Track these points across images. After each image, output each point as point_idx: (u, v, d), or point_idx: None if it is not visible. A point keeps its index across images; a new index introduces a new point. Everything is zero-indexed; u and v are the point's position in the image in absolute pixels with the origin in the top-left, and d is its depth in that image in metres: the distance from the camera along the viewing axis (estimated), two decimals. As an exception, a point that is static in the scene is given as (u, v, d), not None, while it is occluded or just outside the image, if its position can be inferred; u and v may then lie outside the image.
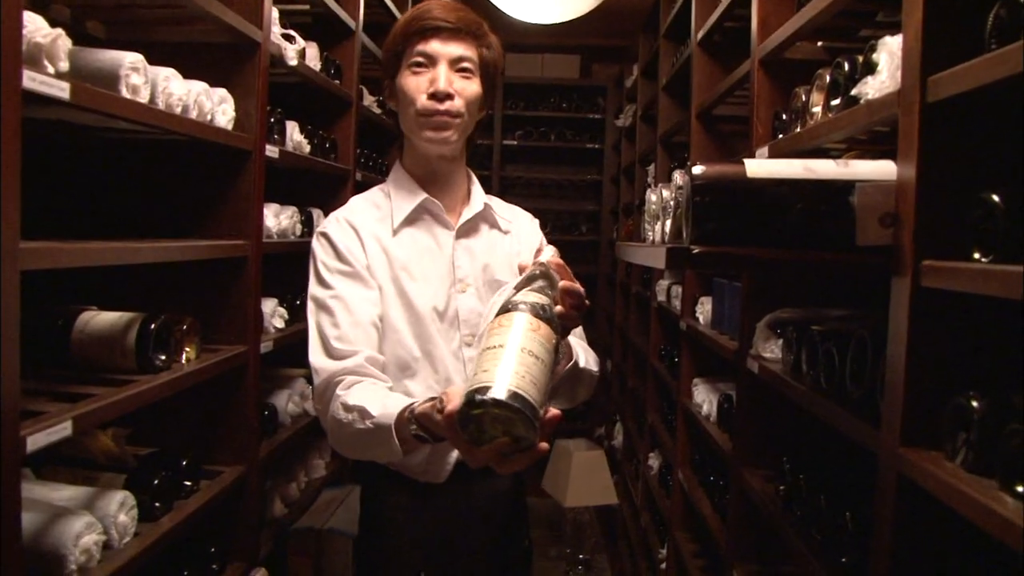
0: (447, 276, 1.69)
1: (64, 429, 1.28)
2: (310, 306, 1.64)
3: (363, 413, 1.43)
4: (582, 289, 1.34)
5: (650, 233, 1.73)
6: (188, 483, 1.83)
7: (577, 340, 1.63)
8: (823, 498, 1.59)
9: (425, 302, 1.65)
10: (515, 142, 6.76)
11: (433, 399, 1.29)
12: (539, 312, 1.15)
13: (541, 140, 6.79)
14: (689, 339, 2.91)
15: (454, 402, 1.11)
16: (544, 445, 1.10)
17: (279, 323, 2.35)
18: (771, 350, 1.90)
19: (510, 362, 1.07)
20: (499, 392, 1.03)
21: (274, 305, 2.34)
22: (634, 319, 4.77)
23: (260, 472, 2.14)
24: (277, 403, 2.41)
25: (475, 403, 1.04)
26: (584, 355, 1.63)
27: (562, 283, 1.31)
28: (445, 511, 1.68)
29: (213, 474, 1.96)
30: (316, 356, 1.58)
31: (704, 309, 2.71)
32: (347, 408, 1.47)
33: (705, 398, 2.65)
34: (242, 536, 2.05)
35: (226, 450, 2.04)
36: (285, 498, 2.44)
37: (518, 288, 1.24)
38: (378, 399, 1.45)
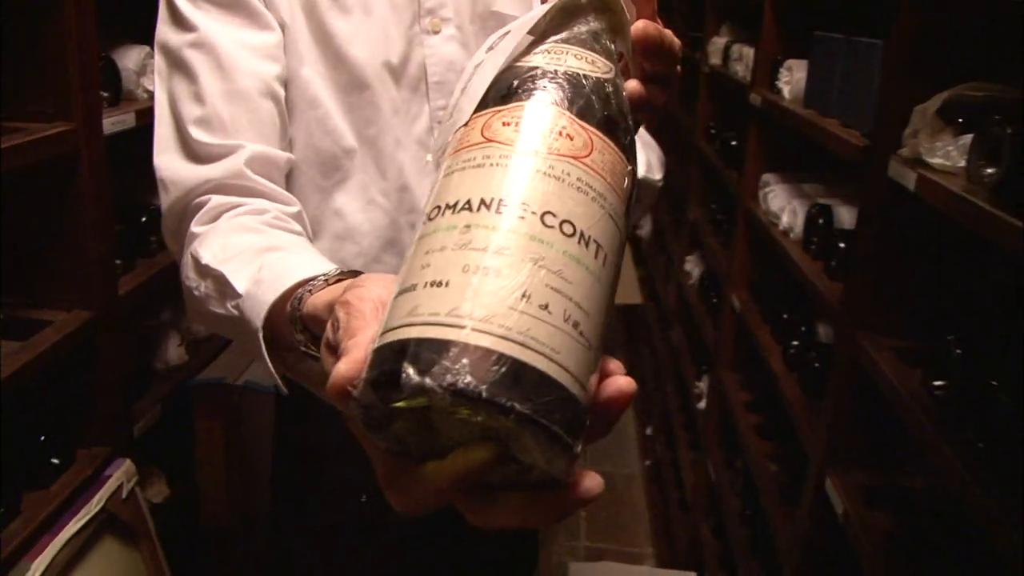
0: (406, 6, 0.94)
1: None
2: (157, 64, 0.93)
3: (222, 286, 0.74)
4: (676, 39, 0.61)
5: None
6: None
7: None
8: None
9: (367, 52, 0.93)
10: None
11: (345, 277, 0.62)
12: (589, 104, 0.41)
13: None
14: (762, 119, 2.09)
15: (352, 353, 0.38)
16: (592, 483, 0.36)
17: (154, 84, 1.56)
18: (944, 153, 1.12)
19: (511, 264, 0.33)
20: (473, 372, 0.30)
21: (143, 57, 1.54)
22: (677, 86, 3.88)
23: (121, 317, 1.43)
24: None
25: (397, 385, 0.31)
26: (644, 154, 0.92)
27: (637, 23, 0.54)
28: None
29: (32, 328, 1.26)
30: (165, 156, 0.88)
31: (793, 78, 1.87)
32: (200, 270, 0.77)
33: (784, 205, 1.88)
34: (96, 417, 1.37)
35: (60, 289, 1.32)
36: (190, 333, 1.75)
37: (538, 37, 0.46)
38: (251, 260, 0.73)
